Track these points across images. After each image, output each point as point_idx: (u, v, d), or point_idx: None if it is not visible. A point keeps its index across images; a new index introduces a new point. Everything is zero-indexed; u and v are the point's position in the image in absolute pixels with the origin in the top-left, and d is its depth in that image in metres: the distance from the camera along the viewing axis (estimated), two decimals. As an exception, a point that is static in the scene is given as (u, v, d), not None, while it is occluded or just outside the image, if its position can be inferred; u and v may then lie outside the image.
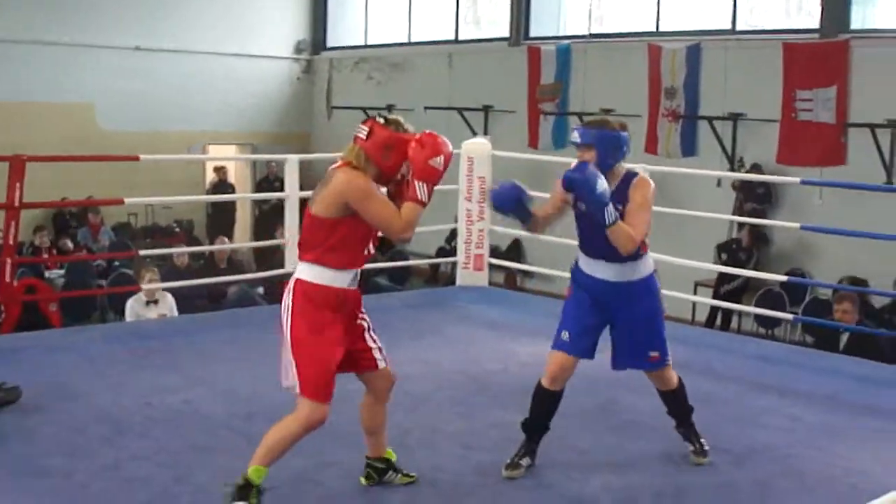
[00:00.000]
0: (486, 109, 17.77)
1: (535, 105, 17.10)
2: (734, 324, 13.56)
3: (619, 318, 5.23)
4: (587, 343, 5.23)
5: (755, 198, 14.08)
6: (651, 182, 5.11)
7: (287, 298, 4.53)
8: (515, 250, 16.47)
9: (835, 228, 10.55)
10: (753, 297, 13.36)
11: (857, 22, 13.69)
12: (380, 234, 4.72)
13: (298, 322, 4.47)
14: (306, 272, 4.53)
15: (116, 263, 13.85)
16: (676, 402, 5.53)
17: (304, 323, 4.47)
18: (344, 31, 21.45)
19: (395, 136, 4.56)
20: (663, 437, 5.84)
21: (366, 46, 20.87)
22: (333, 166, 4.54)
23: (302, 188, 9.30)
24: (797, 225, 10.23)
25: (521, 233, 11.28)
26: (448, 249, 15.05)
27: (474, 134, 15.21)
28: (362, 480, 5.01)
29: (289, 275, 9.79)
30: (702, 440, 5.53)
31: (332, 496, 4.88)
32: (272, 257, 12.47)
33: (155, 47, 18.96)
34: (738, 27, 15.00)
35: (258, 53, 20.43)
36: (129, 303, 10.03)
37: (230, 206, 19.28)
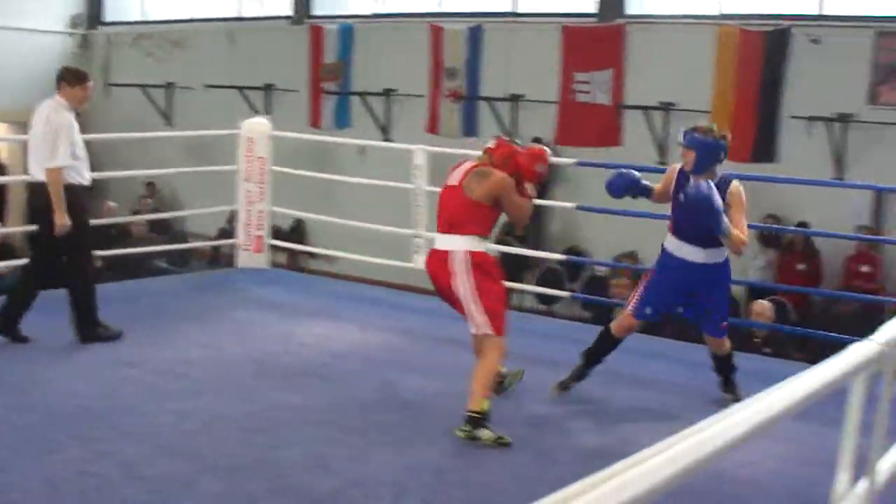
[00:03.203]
0: (268, 88, 17.57)
1: (318, 84, 17.01)
2: (515, 301, 13.79)
3: (702, 293, 6.27)
4: (660, 317, 6.58)
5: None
6: (739, 185, 6.08)
7: (461, 266, 5.73)
8: (298, 231, 16.37)
9: (609, 208, 10.81)
10: (534, 274, 13.63)
11: (632, 7, 14.07)
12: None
13: (478, 279, 5.72)
14: (472, 244, 5.80)
15: None
16: (726, 364, 6.55)
17: (481, 278, 5.73)
18: (121, 5, 20.83)
19: (512, 149, 6.06)
20: (445, 416, 5.91)
21: (145, 22, 20.34)
22: (477, 165, 5.99)
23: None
24: (573, 205, 10.46)
25: (303, 214, 11.25)
26: (229, 231, 14.87)
27: (255, 113, 15.04)
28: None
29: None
30: (740, 393, 6.36)
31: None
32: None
33: (-79, 20, 18.10)
34: (520, 10, 15.22)
35: (30, 27, 19.66)
36: None
37: (2, 189, 18.56)
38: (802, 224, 11.71)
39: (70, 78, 7.18)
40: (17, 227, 16.69)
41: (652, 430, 5.88)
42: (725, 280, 6.42)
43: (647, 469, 1.64)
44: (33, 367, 6.58)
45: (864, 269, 11.84)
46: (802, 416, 4.41)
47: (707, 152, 5.93)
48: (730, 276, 6.45)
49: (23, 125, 19.47)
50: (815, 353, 8.08)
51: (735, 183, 6.06)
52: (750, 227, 10.77)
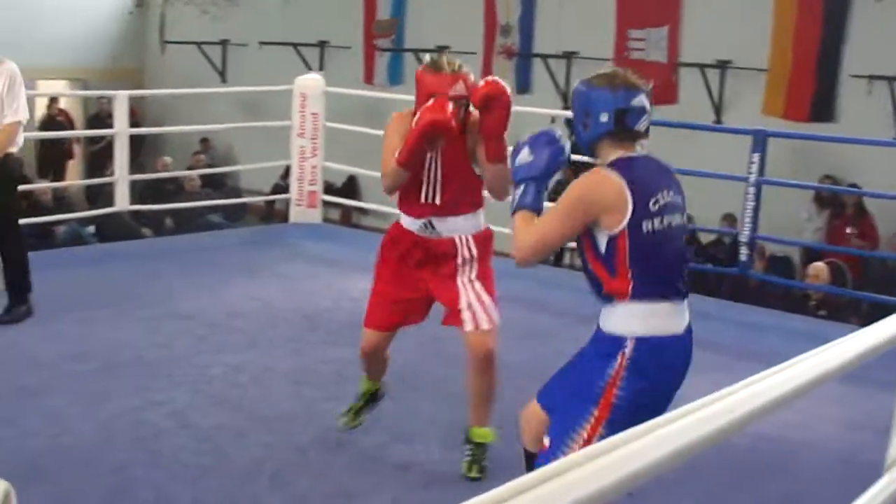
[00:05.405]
0: (322, 45, 17.61)
1: (371, 41, 17.02)
2: (567, 260, 13.79)
3: None
4: None
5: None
6: (592, 178, 3.36)
7: (474, 250, 4.58)
8: (350, 187, 16.42)
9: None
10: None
11: (688, -37, 13.96)
12: None
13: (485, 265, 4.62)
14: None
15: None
16: None
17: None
18: (177, -37, 20.98)
19: None
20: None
21: (200, -21, 20.46)
22: None
23: (137, 125, 9.11)
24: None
25: (356, 169, 11.29)
26: (283, 186, 14.95)
27: (309, 69, 15.10)
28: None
29: (119, 213, 9.66)
30: None
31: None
32: (103, 195, 12.22)
33: (-19, -22, 18.23)
34: (573, -34, 15.14)
35: (87, -15, 19.82)
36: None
37: (62, 144, 18.73)
38: (853, 186, 11.52)
39: None
40: (73, 182, 16.92)
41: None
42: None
43: (691, 422, 1.65)
44: (91, 319, 6.68)
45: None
46: (854, 379, 4.45)
47: (578, 109, 3.50)
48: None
49: (80, 82, 19.69)
50: (872, 317, 8.05)
51: (595, 168, 3.43)
52: (804, 187, 10.90)
